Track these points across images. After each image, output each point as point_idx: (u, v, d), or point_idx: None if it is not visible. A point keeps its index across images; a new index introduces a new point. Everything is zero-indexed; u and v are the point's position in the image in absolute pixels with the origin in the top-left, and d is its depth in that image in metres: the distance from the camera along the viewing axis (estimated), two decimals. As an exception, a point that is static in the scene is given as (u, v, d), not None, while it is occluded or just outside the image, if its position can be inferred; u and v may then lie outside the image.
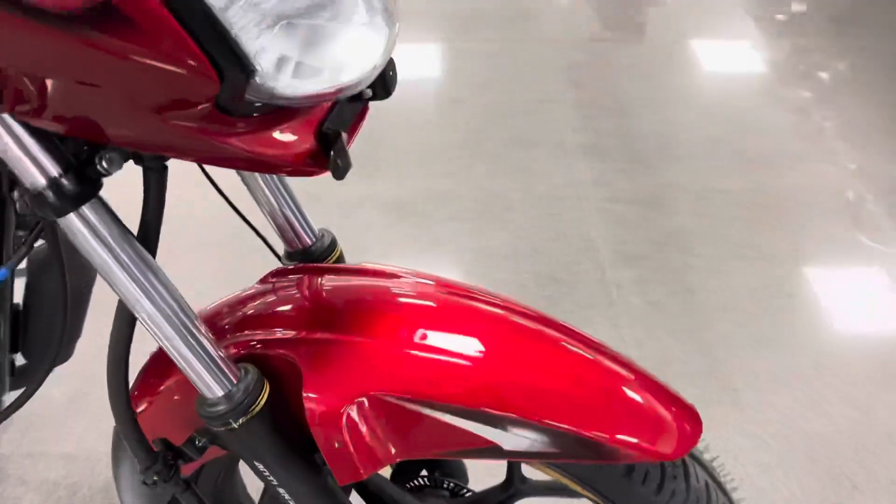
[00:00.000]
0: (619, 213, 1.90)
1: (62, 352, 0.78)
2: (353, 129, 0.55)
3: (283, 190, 0.75)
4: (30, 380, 1.06)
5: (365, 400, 0.63)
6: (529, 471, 0.80)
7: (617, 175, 2.01)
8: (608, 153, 2.08)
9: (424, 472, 0.91)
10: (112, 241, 0.55)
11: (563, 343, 0.67)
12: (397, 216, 1.86)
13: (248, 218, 0.77)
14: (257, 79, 0.45)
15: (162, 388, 0.73)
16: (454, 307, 0.68)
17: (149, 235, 0.58)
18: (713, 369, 1.55)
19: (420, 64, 2.41)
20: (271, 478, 0.67)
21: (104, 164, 0.52)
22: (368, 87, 0.56)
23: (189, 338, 0.60)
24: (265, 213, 0.75)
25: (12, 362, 1.03)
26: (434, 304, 0.68)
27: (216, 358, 0.61)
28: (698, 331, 1.63)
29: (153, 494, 0.83)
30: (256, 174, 0.73)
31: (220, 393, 0.62)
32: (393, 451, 0.65)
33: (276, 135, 0.50)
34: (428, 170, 2.00)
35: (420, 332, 0.65)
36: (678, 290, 1.72)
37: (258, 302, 0.71)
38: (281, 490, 0.69)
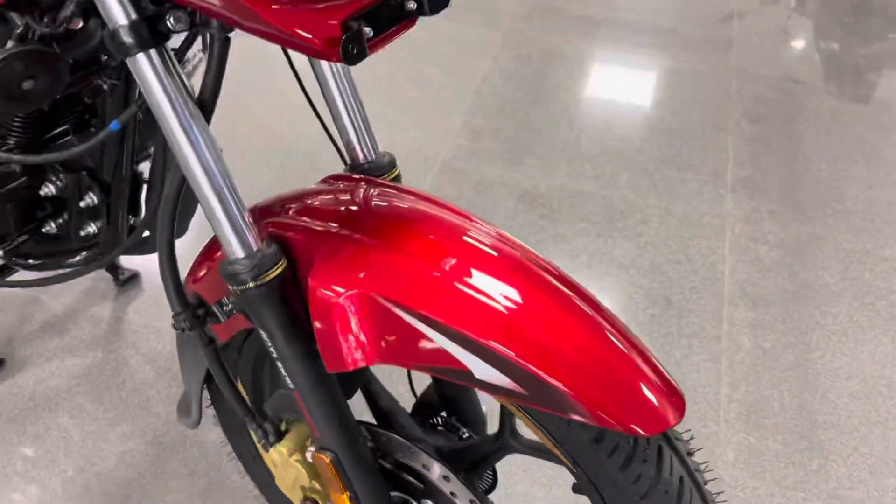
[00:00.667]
0: (758, 254, 1.80)
1: (178, 227, 0.88)
2: (387, 37, 0.60)
3: (356, 106, 0.81)
4: (150, 249, 1.21)
5: (363, 293, 0.67)
6: (521, 430, 0.81)
7: (768, 216, 1.90)
8: (766, 192, 1.97)
9: (444, 414, 0.94)
10: (172, 90, 0.63)
11: (566, 298, 0.68)
12: (529, 205, 1.89)
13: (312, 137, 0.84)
14: None
15: (215, 255, 0.82)
16: (471, 244, 0.70)
17: (205, 100, 0.67)
18: (808, 433, 1.44)
19: (618, 75, 2.40)
20: (274, 351, 0.74)
21: (171, 21, 0.60)
22: (414, 2, 0.61)
23: (223, 197, 0.67)
24: (336, 125, 0.82)
25: (133, 226, 1.19)
26: (452, 235, 0.71)
27: (243, 222, 0.69)
28: (805, 390, 1.51)
29: (194, 359, 0.93)
30: (334, 87, 0.79)
31: (241, 255, 0.69)
32: (376, 352, 0.69)
33: (305, 16, 0.56)
34: (573, 168, 2.00)
35: (431, 251, 0.68)
36: (796, 344, 1.60)
37: (307, 195, 0.77)
38: (281, 368, 0.75)
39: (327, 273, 0.69)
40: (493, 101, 2.21)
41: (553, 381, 0.63)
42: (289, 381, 0.75)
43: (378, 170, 0.82)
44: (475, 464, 0.87)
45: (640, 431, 0.63)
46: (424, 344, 0.67)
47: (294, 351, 0.73)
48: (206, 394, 1.00)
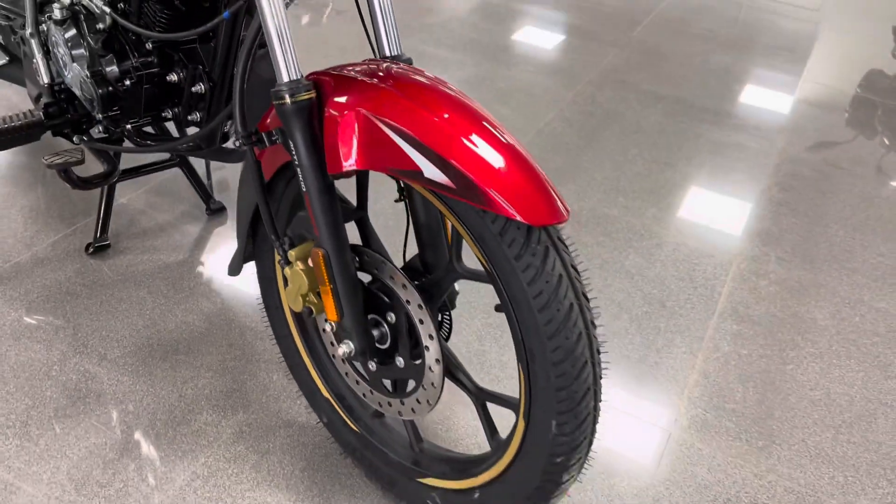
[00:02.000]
0: (757, 285, 1.99)
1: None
2: None
3: (390, 13, 1.13)
4: (237, 158, 1.58)
5: (360, 110, 0.98)
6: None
7: (776, 260, 2.09)
8: (779, 243, 2.16)
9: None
10: None
11: (495, 132, 0.96)
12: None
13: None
14: None
15: (269, 116, 1.15)
16: (439, 93, 0.99)
17: None
18: (761, 421, 1.60)
19: (667, 137, 2.68)
20: (296, 159, 1.05)
21: None
22: None
23: (282, 39, 1.01)
24: (374, 28, 1.15)
25: (226, 135, 1.56)
26: (431, 88, 1.00)
27: (292, 58, 1.02)
28: (769, 390, 1.67)
29: (247, 197, 1.25)
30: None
31: (285, 79, 1.02)
32: (362, 160, 0.99)
33: None
34: (607, 197, 2.27)
35: (411, 92, 0.99)
36: (771, 356, 1.77)
37: (343, 65, 1.10)
38: (300, 177, 1.06)
39: (338, 99, 1.01)
40: (550, 141, 2.53)
41: (473, 177, 0.91)
42: (303, 184, 1.06)
43: (396, 62, 1.15)
44: (433, 286, 1.14)
45: (526, 220, 0.90)
46: (395, 151, 0.97)
47: (310, 161, 1.04)
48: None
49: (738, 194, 2.37)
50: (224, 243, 1.91)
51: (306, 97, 1.02)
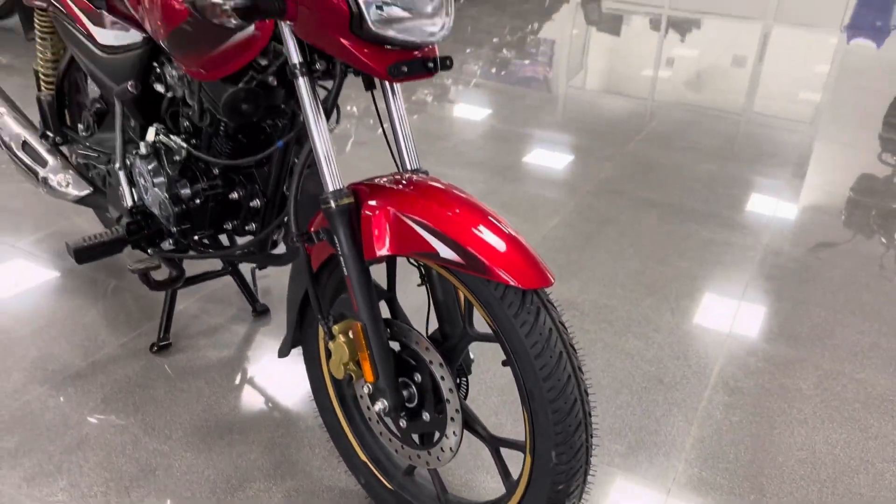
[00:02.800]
0: (746, 362, 2.20)
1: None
2: (409, 78, 1.25)
3: (408, 133, 1.44)
4: (285, 261, 1.86)
5: (389, 209, 1.27)
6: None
7: (764, 341, 2.31)
8: (766, 324, 2.39)
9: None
10: (310, 97, 1.30)
11: (495, 221, 1.24)
12: (565, 308, 2.41)
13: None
14: (369, 20, 1.18)
15: (317, 219, 1.44)
16: (450, 195, 1.28)
17: (327, 107, 1.34)
18: (753, 478, 1.78)
19: (660, 237, 2.97)
20: (339, 250, 1.33)
21: (318, 62, 1.30)
22: (431, 63, 1.27)
23: (328, 158, 1.31)
24: (395, 145, 1.45)
25: (276, 241, 1.86)
26: (444, 192, 1.30)
27: (336, 173, 1.32)
28: (759, 452, 1.86)
29: (297, 285, 1.53)
30: (398, 123, 1.44)
31: (331, 188, 1.32)
32: (391, 247, 1.27)
33: (368, 52, 1.22)
34: (607, 289, 2.52)
35: (428, 194, 1.27)
36: (761, 422, 1.97)
37: (374, 177, 1.40)
38: (345, 271, 1.33)
39: (371, 202, 1.30)
40: (554, 244, 2.82)
41: (477, 254, 1.19)
42: (345, 269, 1.33)
43: (416, 174, 1.44)
44: (451, 350, 1.39)
45: (520, 285, 1.16)
46: (416, 238, 1.24)
47: (350, 251, 1.32)
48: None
49: (726, 284, 2.62)
50: (268, 339, 2.17)
51: (347, 202, 1.32)
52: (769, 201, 3.30)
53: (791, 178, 3.56)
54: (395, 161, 1.46)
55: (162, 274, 1.82)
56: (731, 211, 3.18)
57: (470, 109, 4.27)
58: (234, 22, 1.20)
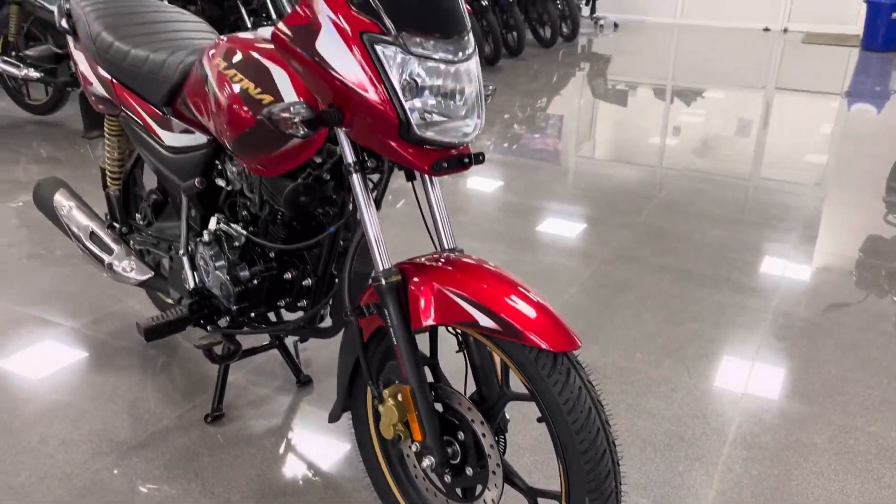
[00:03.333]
0: (762, 418, 2.33)
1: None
2: (448, 173, 1.46)
3: (446, 217, 1.64)
4: (331, 334, 2.04)
5: (433, 284, 1.45)
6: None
7: (779, 398, 2.44)
8: (780, 382, 2.52)
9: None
10: (363, 189, 1.51)
11: (526, 292, 1.42)
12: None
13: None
14: (414, 127, 1.39)
15: (366, 295, 1.63)
16: (485, 270, 1.47)
17: (377, 198, 1.54)
18: (772, 523, 1.90)
19: (673, 300, 3.13)
20: (388, 322, 1.51)
21: (369, 161, 1.51)
22: (467, 159, 1.47)
23: (378, 241, 1.51)
24: (433, 227, 1.64)
25: (323, 316, 2.04)
26: (479, 268, 1.48)
27: (384, 249, 1.51)
28: (780, 502, 1.98)
29: (348, 353, 1.70)
30: (436, 207, 1.63)
31: (381, 268, 1.50)
32: (435, 317, 1.45)
33: (413, 152, 1.42)
34: (626, 353, 2.67)
35: (466, 270, 1.46)
36: (779, 475, 2.09)
37: (416, 256, 1.59)
38: (394, 340, 1.51)
39: (416, 278, 1.48)
40: (574, 310, 2.99)
41: (514, 323, 1.36)
42: (394, 339, 1.51)
43: (453, 252, 1.63)
44: (489, 410, 1.54)
45: (552, 349, 1.33)
46: (458, 309, 1.42)
47: (399, 322, 1.50)
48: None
49: (739, 345, 2.76)
50: (312, 408, 2.33)
51: (395, 279, 1.50)
52: (778, 264, 3.46)
53: (799, 241, 3.73)
54: (434, 241, 1.65)
55: (221, 349, 2.00)
56: (741, 274, 3.35)
57: (486, 183, 4.50)
58: (301, 132, 1.41)
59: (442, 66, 1.40)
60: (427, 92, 1.40)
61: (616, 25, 11.60)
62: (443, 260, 1.52)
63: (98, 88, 2.19)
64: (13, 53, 5.14)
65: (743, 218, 4.05)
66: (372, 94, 1.38)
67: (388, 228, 3.75)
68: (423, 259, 1.54)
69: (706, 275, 3.34)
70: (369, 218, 1.52)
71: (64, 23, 2.25)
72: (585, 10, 12.02)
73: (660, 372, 2.58)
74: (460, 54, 1.43)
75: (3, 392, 2.37)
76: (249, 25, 4.94)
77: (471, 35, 1.46)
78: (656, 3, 12.17)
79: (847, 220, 4.06)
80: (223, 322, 2.05)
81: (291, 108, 1.41)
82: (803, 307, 3.07)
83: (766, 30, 11.54)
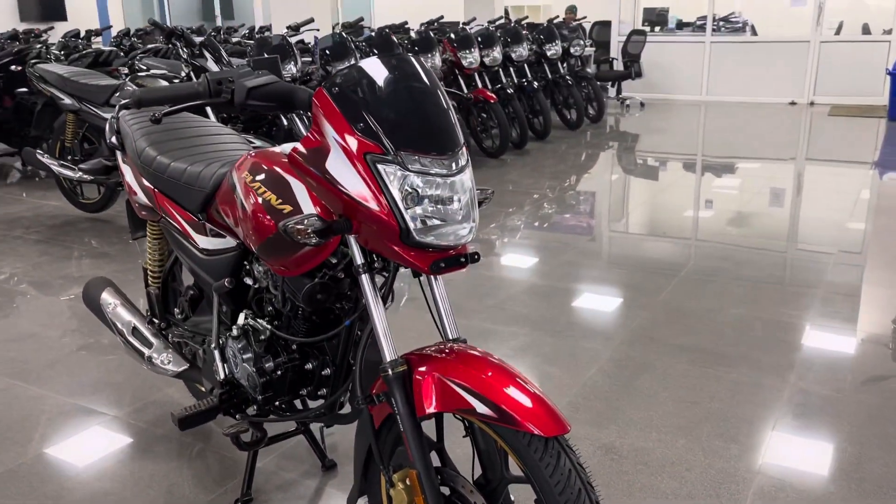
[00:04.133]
0: (779, 498, 2.37)
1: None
2: (446, 272, 1.61)
3: (448, 307, 1.78)
4: (350, 419, 2.18)
5: (435, 374, 1.59)
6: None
7: (793, 476, 2.48)
8: (795, 461, 2.56)
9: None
10: (371, 289, 1.67)
11: (521, 381, 1.55)
12: (605, 452, 2.63)
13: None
14: (414, 233, 1.56)
15: (376, 385, 1.77)
16: (484, 361, 1.61)
17: (384, 293, 1.70)
18: None
19: (690, 378, 3.19)
20: (396, 408, 1.64)
21: (377, 261, 1.67)
22: (463, 259, 1.63)
23: (386, 335, 1.66)
24: (437, 315, 1.78)
25: (342, 403, 2.18)
26: (479, 359, 1.62)
27: (391, 341, 1.65)
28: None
29: (361, 440, 1.83)
30: (440, 297, 1.78)
31: (388, 359, 1.65)
32: (437, 405, 1.58)
33: (414, 254, 1.58)
34: (643, 433, 2.74)
35: (466, 361, 1.60)
36: (789, 553, 2.12)
37: (425, 346, 1.73)
38: (401, 427, 1.64)
39: (421, 368, 1.62)
40: (593, 391, 3.07)
41: (508, 410, 1.49)
42: (401, 425, 1.63)
43: (457, 342, 1.77)
44: (492, 492, 1.65)
45: (543, 433, 1.45)
46: (458, 398, 1.55)
47: (405, 410, 1.63)
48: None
49: (754, 423, 2.81)
50: (336, 491, 2.44)
51: (401, 370, 1.64)
52: (794, 341, 3.51)
53: (816, 318, 3.78)
54: (440, 332, 1.79)
55: (248, 436, 2.14)
56: (759, 353, 3.40)
57: (512, 268, 4.65)
58: (314, 240, 1.59)
59: (439, 179, 1.58)
60: (426, 201, 1.57)
61: (642, 105, 11.89)
62: (446, 350, 1.66)
63: (142, 198, 2.43)
64: (69, 158, 5.55)
65: (762, 295, 4.11)
66: (375, 206, 1.56)
67: (412, 310, 3.91)
68: (428, 350, 1.68)
69: (723, 354, 3.40)
70: (377, 314, 1.68)
71: (113, 139, 2.51)
72: (612, 91, 12.37)
73: (675, 451, 2.64)
74: (454, 167, 1.61)
75: (51, 479, 2.53)
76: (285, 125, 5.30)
77: (463, 150, 1.65)
78: (681, 82, 12.47)
79: (876, 293, 4.09)
80: (251, 411, 2.20)
81: (305, 221, 1.59)
82: (820, 385, 3.10)
83: (793, 103, 11.70)
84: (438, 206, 1.58)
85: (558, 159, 7.98)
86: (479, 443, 1.71)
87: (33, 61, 5.99)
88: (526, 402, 1.50)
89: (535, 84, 8.57)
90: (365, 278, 1.68)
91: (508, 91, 8.08)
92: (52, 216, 5.92)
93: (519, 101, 8.37)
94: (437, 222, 1.59)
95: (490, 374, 1.55)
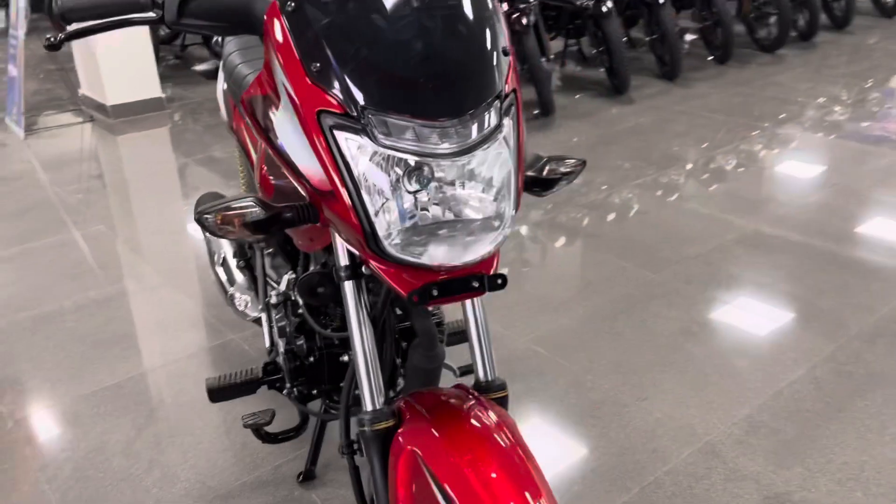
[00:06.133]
0: None
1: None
2: (453, 300, 1.03)
3: (487, 339, 1.21)
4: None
5: (415, 450, 1.07)
6: None
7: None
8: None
9: None
10: (355, 303, 1.15)
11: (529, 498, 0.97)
12: (774, 507, 1.90)
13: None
14: (383, 241, 0.99)
15: None
16: (494, 447, 1.04)
17: (375, 315, 1.17)
18: None
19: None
20: (372, 476, 1.15)
21: (365, 269, 1.13)
22: (476, 282, 1.03)
23: (368, 357, 1.15)
24: (473, 353, 1.23)
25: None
26: (488, 442, 1.05)
27: (376, 379, 1.14)
28: None
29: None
30: (473, 329, 1.21)
31: (368, 408, 1.14)
32: (402, 493, 1.07)
33: (393, 273, 1.02)
34: (841, 488, 1.95)
35: (466, 448, 1.04)
36: None
37: (430, 391, 1.19)
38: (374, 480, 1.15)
39: (407, 429, 1.10)
40: (787, 405, 2.27)
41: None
42: (374, 485, 1.15)
43: (489, 388, 1.20)
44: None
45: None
46: (426, 489, 1.03)
47: (379, 472, 1.13)
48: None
49: None
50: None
51: (384, 426, 1.13)
52: None
53: None
54: (476, 368, 1.24)
55: (274, 428, 1.79)
56: None
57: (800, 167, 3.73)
58: (249, 237, 1.10)
59: (443, 162, 0.98)
60: (412, 195, 0.99)
61: None
62: (452, 411, 1.11)
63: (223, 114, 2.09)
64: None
65: None
66: (332, 195, 1.02)
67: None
68: (433, 398, 1.15)
69: None
70: (360, 339, 1.17)
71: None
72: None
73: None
74: (469, 136, 0.99)
75: (136, 408, 2.41)
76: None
77: (495, 106, 1.01)
78: None
79: None
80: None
81: (237, 205, 1.09)
82: None
83: None
84: (433, 203, 1.00)
85: (858, 57, 6.36)
86: None
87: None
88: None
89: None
90: (348, 286, 1.17)
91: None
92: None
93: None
94: (424, 234, 1.01)
95: (493, 476, 1.00)
